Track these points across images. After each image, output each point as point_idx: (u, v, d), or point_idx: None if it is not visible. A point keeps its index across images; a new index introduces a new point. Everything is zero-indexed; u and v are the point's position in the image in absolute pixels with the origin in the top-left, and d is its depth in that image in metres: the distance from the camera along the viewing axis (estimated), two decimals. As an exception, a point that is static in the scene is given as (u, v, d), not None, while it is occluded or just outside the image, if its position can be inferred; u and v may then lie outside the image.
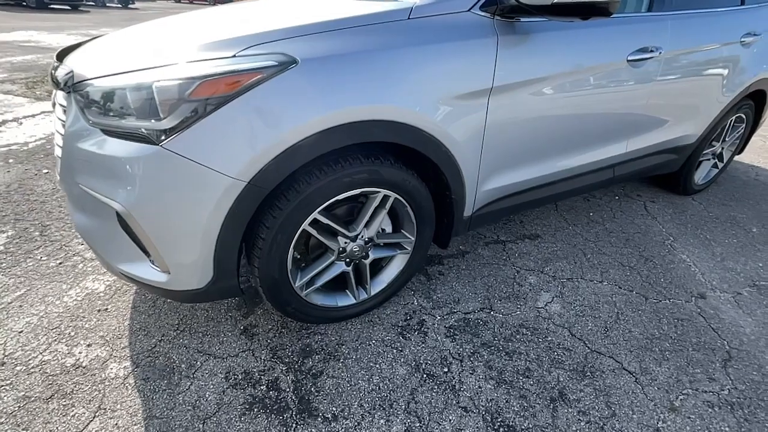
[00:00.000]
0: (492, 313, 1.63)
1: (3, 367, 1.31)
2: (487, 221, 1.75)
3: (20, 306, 1.54)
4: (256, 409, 1.22)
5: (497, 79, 1.31)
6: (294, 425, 1.18)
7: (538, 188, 1.79)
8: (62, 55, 1.24)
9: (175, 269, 1.12)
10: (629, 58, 1.65)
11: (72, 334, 1.44)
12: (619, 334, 1.56)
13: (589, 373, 1.39)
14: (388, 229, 1.50)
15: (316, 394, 1.28)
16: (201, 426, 1.17)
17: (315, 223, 1.25)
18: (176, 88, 0.95)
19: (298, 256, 1.36)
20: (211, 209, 1.04)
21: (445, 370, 1.38)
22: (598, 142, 1.83)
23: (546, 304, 1.69)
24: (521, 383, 1.35)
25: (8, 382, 1.26)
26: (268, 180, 1.06)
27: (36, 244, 1.88)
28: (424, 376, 1.36)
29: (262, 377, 1.32)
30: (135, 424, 1.16)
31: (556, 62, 1.47)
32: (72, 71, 1.11)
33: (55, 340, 1.41)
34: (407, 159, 1.37)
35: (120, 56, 1.13)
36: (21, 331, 1.44)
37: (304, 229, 1.23)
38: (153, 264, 1.16)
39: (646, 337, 1.56)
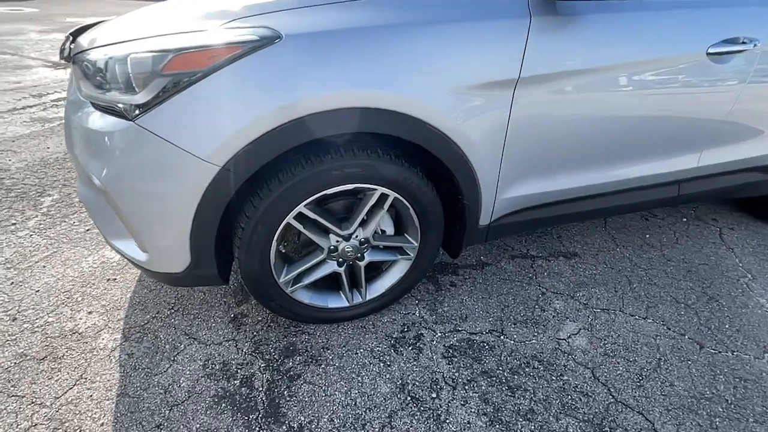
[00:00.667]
0: (502, 337, 1.43)
1: (13, 323, 1.39)
2: (509, 232, 1.55)
3: (44, 266, 1.64)
4: (224, 404, 1.17)
5: (526, 69, 1.11)
6: (257, 429, 1.11)
7: (577, 201, 1.54)
8: (77, 33, 1.25)
9: (151, 250, 1.09)
10: (710, 50, 1.33)
11: (79, 299, 1.50)
12: (656, 386, 1.29)
13: (607, 429, 1.16)
14: (390, 231, 1.37)
15: (288, 398, 1.20)
16: (167, 412, 1.14)
17: (303, 217, 1.16)
18: (150, 61, 0.89)
19: (283, 250, 1.28)
20: (184, 193, 0.98)
21: (434, 395, 1.23)
22: (659, 151, 1.53)
23: (569, 336, 1.45)
24: (519, 426, 1.15)
25: (13, 337, 1.34)
26: (244, 166, 0.98)
27: (73, 210, 2.00)
28: (408, 398, 1.22)
29: (239, 371, 1.27)
30: (107, 399, 1.17)
31: (609, 52, 1.22)
32: (74, 42, 1.11)
33: (63, 303, 1.48)
34: (415, 156, 1.22)
35: (120, 30, 1.11)
36: (38, 291, 1.53)
37: (290, 223, 1.14)
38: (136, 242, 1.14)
39: (692, 396, 1.27)
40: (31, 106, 3.31)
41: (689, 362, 1.38)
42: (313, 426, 1.13)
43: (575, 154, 1.38)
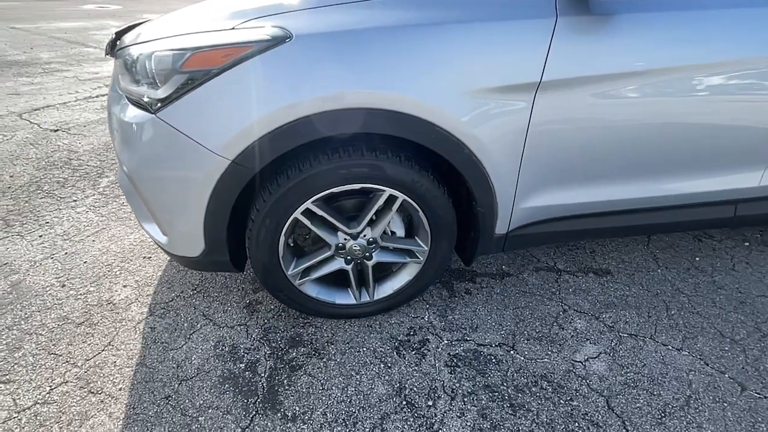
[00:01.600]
0: (512, 352, 1.37)
1: (62, 289, 1.56)
2: (530, 244, 1.47)
3: (93, 241, 1.82)
4: (227, 385, 1.23)
5: (549, 73, 1.04)
6: (254, 413, 1.16)
7: (611, 215, 1.43)
8: (122, 32, 1.35)
9: (170, 234, 1.17)
10: (781, 54, 1.17)
11: (118, 273, 1.65)
12: (680, 426, 1.17)
13: (614, 464, 1.07)
14: (400, 233, 1.36)
15: (287, 387, 1.24)
16: (176, 385, 1.23)
17: (311, 213, 1.18)
18: (170, 59, 0.95)
19: (291, 244, 1.31)
20: (197, 183, 1.04)
21: (430, 403, 1.20)
22: (711, 166, 1.37)
23: (587, 359, 1.35)
24: (515, 448, 1.10)
25: (60, 302, 1.50)
26: (253, 160, 1.01)
27: (124, 191, 2.20)
28: (404, 403, 1.20)
29: (245, 356, 1.33)
30: (127, 366, 1.28)
31: (654, 55, 1.11)
32: (119, 40, 1.21)
33: (104, 276, 1.63)
34: (429, 158, 1.19)
35: (158, 29, 1.20)
36: (86, 262, 1.70)
37: (298, 218, 1.17)
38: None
39: (722, 442, 1.13)
40: (103, 95, 3.67)
41: (725, 404, 1.23)
42: (306, 417, 1.16)
43: (608, 164, 1.28)
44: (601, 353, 1.38)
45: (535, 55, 1.01)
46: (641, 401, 1.23)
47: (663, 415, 1.20)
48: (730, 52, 1.16)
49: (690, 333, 1.47)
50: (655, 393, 1.26)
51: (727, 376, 1.32)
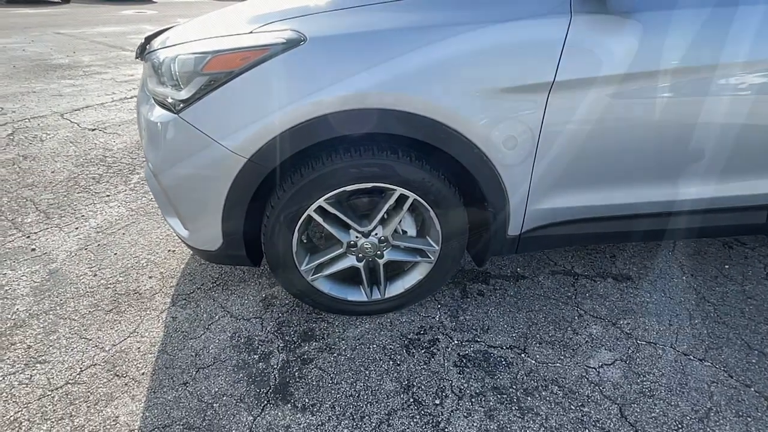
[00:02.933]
0: (523, 355, 1.36)
1: (94, 278, 1.66)
2: (546, 246, 1.45)
3: (123, 234, 1.93)
4: (241, 375, 1.28)
5: (563, 72, 1.03)
6: (265, 402, 1.20)
7: (630, 219, 1.39)
8: (152, 37, 1.43)
9: (191, 229, 1.23)
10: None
11: (144, 264, 1.74)
12: (698, 439, 1.12)
13: (625, 474, 1.05)
14: (412, 232, 1.37)
15: (298, 380, 1.27)
16: (194, 372, 1.29)
17: (324, 210, 1.21)
18: (192, 62, 1.01)
19: (305, 240, 1.35)
20: (216, 180, 1.09)
21: (437, 402, 1.21)
22: (738, 170, 1.31)
23: (601, 365, 1.32)
24: (522, 451, 1.09)
25: (92, 290, 1.60)
26: (268, 159, 1.05)
27: (153, 187, 2.31)
28: (411, 400, 1.22)
29: (260, 347, 1.38)
30: (149, 353, 1.35)
31: (676, 54, 1.07)
32: (149, 44, 1.28)
33: (132, 267, 1.72)
34: (442, 159, 1.20)
35: (184, 33, 1.26)
36: (116, 254, 1.80)
37: (312, 215, 1.20)
38: (181, 220, 1.30)
39: (743, 458, 1.09)
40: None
41: (749, 419, 1.18)
42: (315, 409, 1.19)
43: (626, 166, 1.24)
44: (616, 360, 1.34)
45: (548, 55, 1.00)
46: (657, 411, 1.19)
47: (680, 426, 1.16)
48: (759, 51, 1.11)
49: (714, 343, 1.41)
50: (672, 403, 1.21)
51: (752, 389, 1.26)
